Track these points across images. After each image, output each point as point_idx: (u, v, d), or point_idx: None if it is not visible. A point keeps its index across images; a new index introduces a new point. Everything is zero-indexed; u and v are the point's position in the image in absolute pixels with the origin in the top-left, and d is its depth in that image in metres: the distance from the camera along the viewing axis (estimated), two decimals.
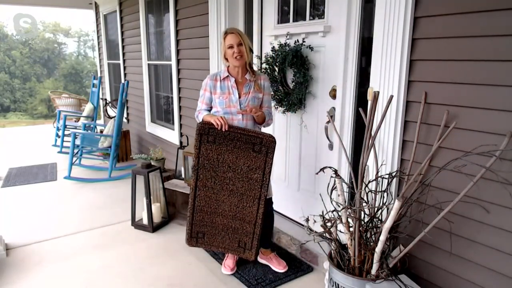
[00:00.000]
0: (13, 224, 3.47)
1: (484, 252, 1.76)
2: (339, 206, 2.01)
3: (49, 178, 4.82)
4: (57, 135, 6.42)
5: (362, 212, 1.97)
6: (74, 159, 4.86)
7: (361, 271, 1.96)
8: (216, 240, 2.54)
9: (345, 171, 2.52)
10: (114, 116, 5.00)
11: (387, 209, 2.01)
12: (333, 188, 2.03)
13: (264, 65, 2.95)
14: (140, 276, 2.63)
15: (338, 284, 1.94)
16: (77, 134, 4.77)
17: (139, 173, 3.34)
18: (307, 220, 2.12)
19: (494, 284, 1.74)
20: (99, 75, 7.48)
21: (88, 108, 6.38)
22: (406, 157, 2.05)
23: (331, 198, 2.04)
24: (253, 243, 2.47)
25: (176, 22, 4.18)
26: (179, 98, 4.38)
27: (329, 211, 2.06)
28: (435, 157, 1.90)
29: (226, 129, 2.28)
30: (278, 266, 2.66)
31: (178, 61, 4.30)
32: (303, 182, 3.01)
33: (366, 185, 2.02)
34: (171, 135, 4.69)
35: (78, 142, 4.90)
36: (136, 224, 3.39)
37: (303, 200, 3.00)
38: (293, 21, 2.87)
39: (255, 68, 2.72)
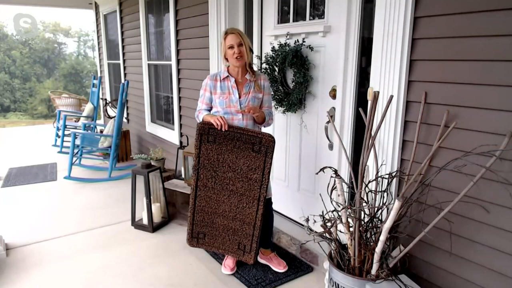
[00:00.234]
0: (13, 224, 3.47)
1: (484, 252, 1.76)
2: (339, 206, 2.01)
3: (49, 178, 4.82)
4: (57, 135, 6.43)
5: (362, 212, 1.97)
6: (74, 159, 4.86)
7: (361, 271, 1.96)
8: (216, 241, 2.54)
9: (345, 171, 2.52)
10: (114, 116, 5.00)
11: (387, 209, 2.01)
12: (333, 188, 2.03)
13: (264, 65, 2.95)
14: (140, 276, 2.63)
15: (338, 284, 1.94)
16: (77, 134, 4.77)
17: (139, 173, 3.34)
18: (307, 220, 2.12)
19: (494, 284, 1.74)
20: (99, 75, 7.47)
21: (88, 108, 6.39)
22: (406, 157, 2.04)
23: (331, 198, 2.04)
24: (252, 246, 2.47)
25: (176, 22, 4.18)
26: (179, 98, 4.38)
27: (329, 211, 2.06)
28: (435, 157, 1.90)
29: (226, 129, 2.28)
30: (278, 266, 2.65)
31: (178, 61, 4.30)
32: (303, 182, 3.01)
33: (366, 185, 2.02)
34: (171, 135, 4.69)
35: (78, 142, 4.89)
36: (136, 224, 3.39)
37: (303, 200, 3.00)
38: (293, 21, 2.87)
39: (255, 68, 2.72)
